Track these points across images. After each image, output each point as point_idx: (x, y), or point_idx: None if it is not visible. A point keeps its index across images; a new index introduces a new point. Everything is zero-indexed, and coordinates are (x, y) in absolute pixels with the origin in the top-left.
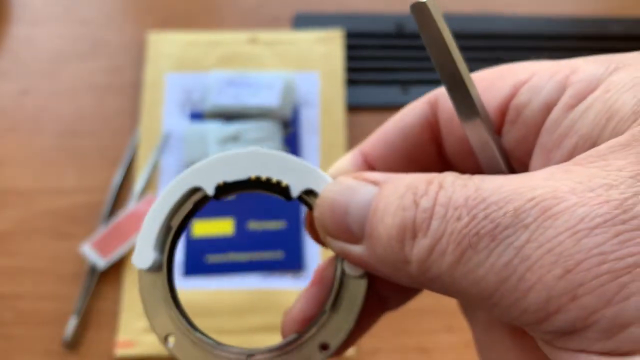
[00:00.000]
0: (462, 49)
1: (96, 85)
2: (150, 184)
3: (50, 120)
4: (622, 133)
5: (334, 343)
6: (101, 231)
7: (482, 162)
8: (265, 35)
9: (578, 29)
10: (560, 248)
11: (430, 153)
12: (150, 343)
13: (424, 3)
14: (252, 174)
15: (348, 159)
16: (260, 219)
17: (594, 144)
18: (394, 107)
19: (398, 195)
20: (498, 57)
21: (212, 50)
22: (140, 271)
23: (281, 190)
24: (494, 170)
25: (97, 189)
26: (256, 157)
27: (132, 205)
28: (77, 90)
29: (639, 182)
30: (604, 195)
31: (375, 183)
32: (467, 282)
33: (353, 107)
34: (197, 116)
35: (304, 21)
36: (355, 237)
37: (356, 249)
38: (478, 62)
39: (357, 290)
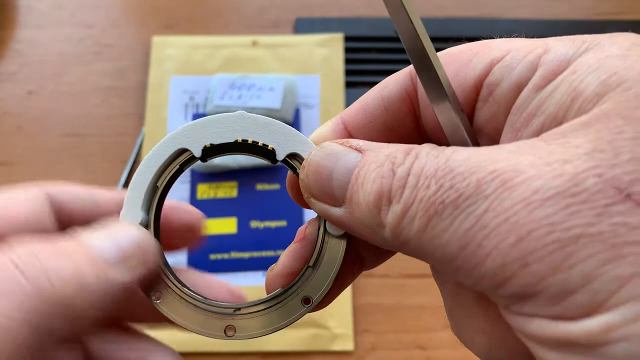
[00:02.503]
0: None
1: (101, 87)
2: None
3: (56, 121)
4: (585, 113)
5: (316, 297)
6: None
7: (450, 141)
8: (267, 39)
9: (574, 32)
10: (515, 218)
11: (408, 124)
12: None
13: None
14: (239, 137)
15: (329, 126)
16: (262, 219)
17: (559, 124)
18: None
19: (378, 163)
20: None
21: (215, 53)
22: None
23: (267, 153)
24: None
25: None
26: (243, 120)
27: None
28: (83, 92)
29: (592, 158)
30: (559, 169)
31: (358, 150)
32: (432, 247)
33: None
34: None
35: (304, 25)
36: (337, 200)
37: (337, 211)
38: None
39: (336, 249)
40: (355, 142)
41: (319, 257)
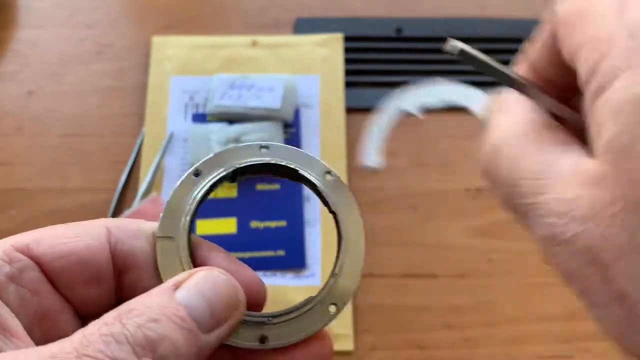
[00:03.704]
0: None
1: (101, 87)
2: (154, 184)
3: (56, 122)
4: None
5: (342, 302)
6: None
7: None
8: (267, 39)
9: None
10: None
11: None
12: None
13: (460, 49)
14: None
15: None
16: (262, 219)
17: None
18: None
19: None
20: (497, 59)
21: (215, 53)
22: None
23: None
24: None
25: (102, 189)
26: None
27: (136, 205)
28: (83, 92)
29: None
30: None
31: None
32: None
33: (353, 109)
34: (200, 118)
35: (304, 25)
36: None
37: None
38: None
39: (357, 258)
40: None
41: (342, 266)
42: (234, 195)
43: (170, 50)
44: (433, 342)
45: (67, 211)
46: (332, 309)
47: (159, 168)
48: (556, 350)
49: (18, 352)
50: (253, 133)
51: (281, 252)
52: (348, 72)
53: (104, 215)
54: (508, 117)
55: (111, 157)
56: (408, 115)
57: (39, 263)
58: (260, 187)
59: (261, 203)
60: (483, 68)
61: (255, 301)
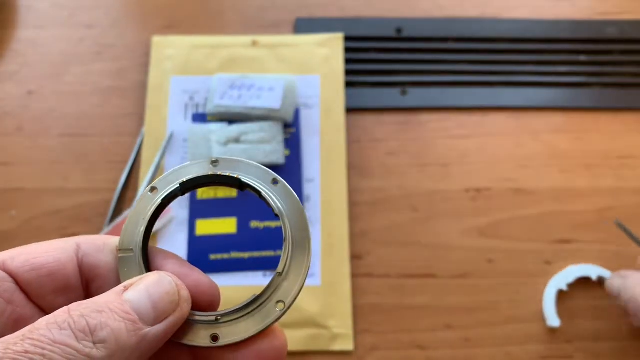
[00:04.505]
0: (462, 52)
1: (101, 87)
2: None
3: (56, 122)
4: None
5: (289, 300)
6: (106, 230)
7: None
8: (267, 39)
9: (575, 32)
10: None
11: None
12: None
13: (618, 222)
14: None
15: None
16: (262, 219)
17: None
18: (393, 109)
19: None
20: (497, 60)
21: (215, 53)
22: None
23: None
24: None
25: (102, 189)
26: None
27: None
28: (83, 92)
29: None
30: None
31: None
32: None
33: (353, 109)
34: (200, 118)
35: (304, 25)
36: None
37: None
38: (478, 64)
39: (302, 257)
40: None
41: (288, 266)
42: (234, 195)
43: (170, 50)
44: (433, 342)
45: (67, 211)
46: (280, 306)
47: (159, 168)
48: (556, 350)
49: None
50: (253, 133)
51: (281, 252)
52: (348, 72)
53: (104, 215)
54: None
55: (111, 157)
56: None
57: (13, 276)
58: None
59: (261, 203)
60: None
61: (207, 302)
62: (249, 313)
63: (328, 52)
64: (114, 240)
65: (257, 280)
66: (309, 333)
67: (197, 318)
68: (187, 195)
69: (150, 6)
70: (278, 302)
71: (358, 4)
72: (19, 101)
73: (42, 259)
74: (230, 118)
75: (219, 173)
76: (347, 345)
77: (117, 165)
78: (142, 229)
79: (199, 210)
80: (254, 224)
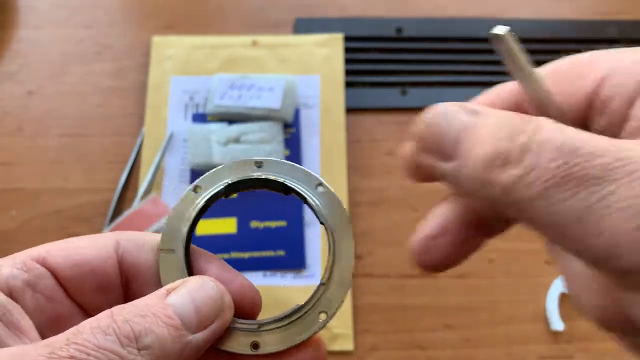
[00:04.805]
0: (462, 52)
1: (101, 87)
2: (154, 184)
3: (56, 122)
4: None
5: (331, 311)
6: (107, 230)
7: None
8: (267, 39)
9: (576, 32)
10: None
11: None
12: None
13: (502, 35)
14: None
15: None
16: (262, 219)
17: None
18: (393, 109)
19: (495, 125)
20: (497, 60)
21: (215, 53)
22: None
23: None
24: None
25: (102, 188)
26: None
27: (136, 205)
28: (83, 92)
29: None
30: None
31: (474, 112)
32: (543, 212)
33: (353, 109)
34: (200, 118)
35: (304, 25)
36: (447, 155)
37: (445, 166)
38: (478, 64)
39: (347, 268)
40: (470, 104)
41: (331, 274)
42: (234, 195)
43: (170, 50)
44: (433, 342)
45: (67, 211)
46: (322, 316)
47: (159, 168)
48: (557, 350)
49: (23, 346)
50: (253, 133)
51: (281, 252)
52: (348, 72)
53: (104, 215)
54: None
55: (111, 157)
56: None
57: (54, 272)
58: None
59: (261, 203)
60: (511, 63)
61: (249, 307)
62: (291, 322)
63: (328, 52)
64: (154, 238)
65: (257, 280)
66: None
67: (239, 325)
68: None
69: (150, 6)
70: (321, 312)
71: (358, 4)
72: (19, 101)
73: (83, 255)
74: (230, 118)
75: (264, 176)
76: (347, 345)
77: (117, 165)
78: (185, 229)
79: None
80: (254, 224)
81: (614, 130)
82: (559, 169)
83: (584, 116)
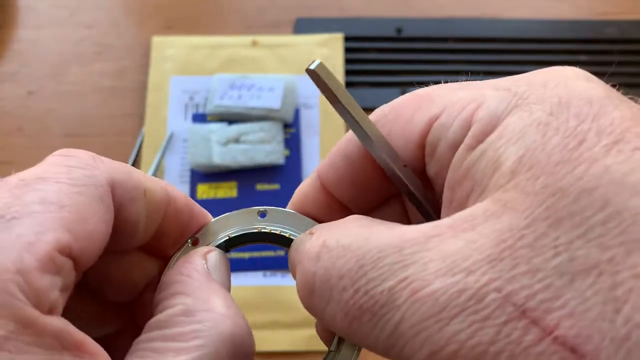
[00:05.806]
0: (462, 52)
1: (101, 87)
2: None
3: (56, 122)
4: (500, 188)
5: None
6: None
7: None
8: (267, 39)
9: (575, 32)
10: (427, 332)
11: (373, 177)
12: None
13: (313, 70)
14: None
15: (308, 183)
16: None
17: (483, 192)
18: None
19: (306, 256)
20: (497, 60)
21: (215, 53)
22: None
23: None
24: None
25: None
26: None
27: None
28: (83, 92)
29: (492, 269)
30: (462, 283)
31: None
32: (360, 341)
33: None
34: (200, 118)
35: (304, 25)
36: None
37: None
38: (478, 64)
39: None
40: (315, 229)
41: (340, 338)
42: (234, 195)
43: (170, 50)
44: None
45: None
46: None
47: (159, 168)
48: None
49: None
50: (253, 133)
51: (281, 252)
52: (348, 72)
53: None
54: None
55: (111, 157)
56: None
57: (76, 265)
58: (260, 187)
59: (261, 203)
60: (332, 99)
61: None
62: None
63: (328, 52)
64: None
65: (258, 281)
66: (309, 333)
67: None
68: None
69: (150, 6)
70: None
71: (358, 4)
72: (19, 101)
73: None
74: (230, 118)
75: (268, 230)
76: None
77: None
78: None
79: None
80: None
81: (443, 180)
82: (353, 300)
83: (422, 158)
